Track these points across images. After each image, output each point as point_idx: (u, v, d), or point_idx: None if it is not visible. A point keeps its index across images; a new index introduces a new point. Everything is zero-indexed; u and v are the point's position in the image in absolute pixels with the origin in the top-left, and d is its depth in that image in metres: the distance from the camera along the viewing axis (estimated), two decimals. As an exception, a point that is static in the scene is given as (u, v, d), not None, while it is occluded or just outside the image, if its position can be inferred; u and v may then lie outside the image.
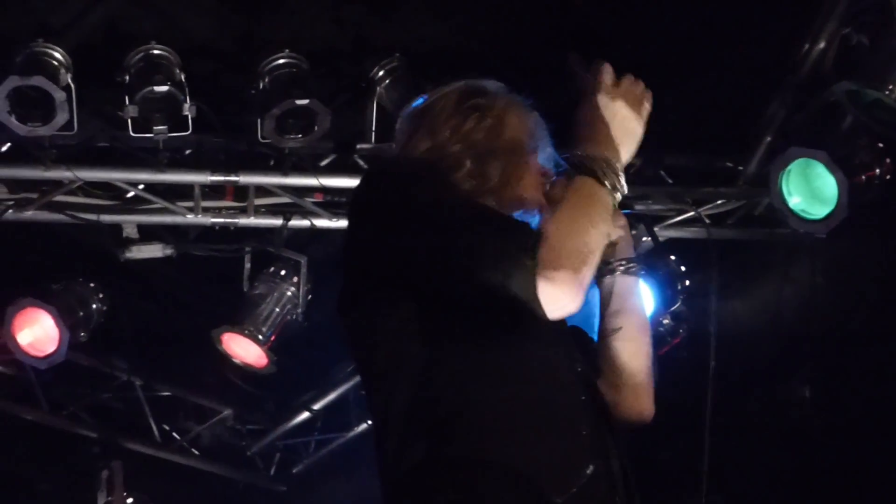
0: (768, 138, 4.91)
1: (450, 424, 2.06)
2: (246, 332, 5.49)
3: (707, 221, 5.23)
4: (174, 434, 6.86)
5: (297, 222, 5.12)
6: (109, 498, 6.22)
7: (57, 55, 4.51)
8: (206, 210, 5.06)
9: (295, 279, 5.46)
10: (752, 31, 4.58)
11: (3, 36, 4.60)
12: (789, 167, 4.48)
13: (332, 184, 4.98)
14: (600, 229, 2.15)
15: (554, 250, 2.06)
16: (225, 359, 5.71)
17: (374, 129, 4.85)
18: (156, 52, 4.60)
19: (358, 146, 4.95)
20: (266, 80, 4.66)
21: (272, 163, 4.97)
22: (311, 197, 5.10)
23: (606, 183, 2.19)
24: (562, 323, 2.25)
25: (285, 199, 5.09)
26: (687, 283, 5.23)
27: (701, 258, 5.27)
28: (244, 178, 4.94)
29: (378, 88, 4.76)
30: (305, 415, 6.82)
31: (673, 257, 5.26)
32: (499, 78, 2.52)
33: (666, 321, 5.43)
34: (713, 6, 4.48)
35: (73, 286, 5.55)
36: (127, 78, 4.58)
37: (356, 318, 2.27)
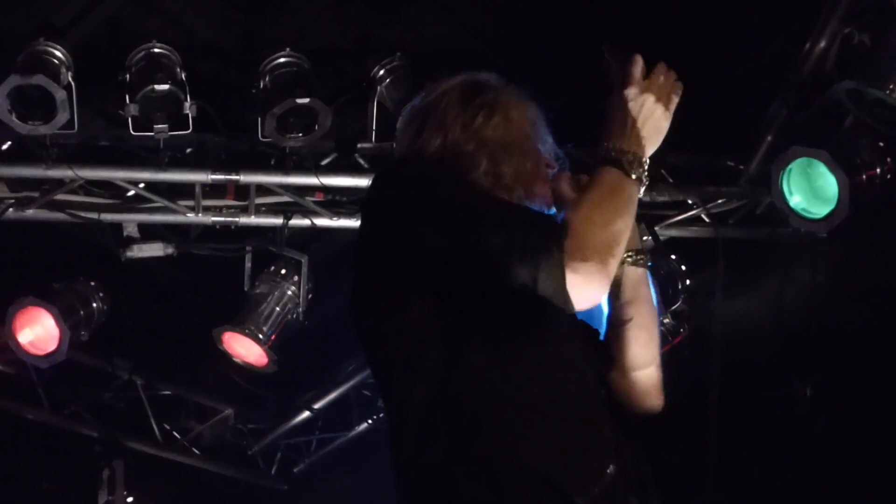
0: (770, 138, 4.90)
1: (474, 422, 2.07)
2: (247, 331, 5.49)
3: (708, 220, 5.23)
4: (175, 433, 6.86)
5: (297, 221, 5.12)
6: (110, 497, 6.24)
7: (58, 54, 4.51)
8: (206, 209, 5.06)
9: (296, 278, 5.46)
10: (753, 31, 4.57)
11: (4, 34, 4.60)
12: (790, 166, 4.47)
13: (333, 183, 4.98)
14: (626, 220, 2.18)
15: (581, 241, 2.08)
16: (226, 358, 5.71)
17: (375, 128, 4.85)
18: (157, 50, 4.61)
19: (359, 145, 4.95)
20: (267, 79, 4.66)
21: (273, 162, 4.97)
22: (312, 196, 5.10)
23: (633, 175, 2.22)
24: (573, 317, 2.25)
25: (286, 199, 5.09)
26: (688, 282, 5.23)
27: (701, 257, 5.28)
28: (245, 177, 4.94)
29: (379, 88, 4.76)
30: (306, 414, 6.83)
31: (674, 256, 5.27)
32: (519, 84, 2.53)
33: (667, 320, 5.43)
34: (715, 5, 4.48)
35: (74, 285, 5.55)
36: (128, 77, 4.59)
37: (372, 316, 2.27)
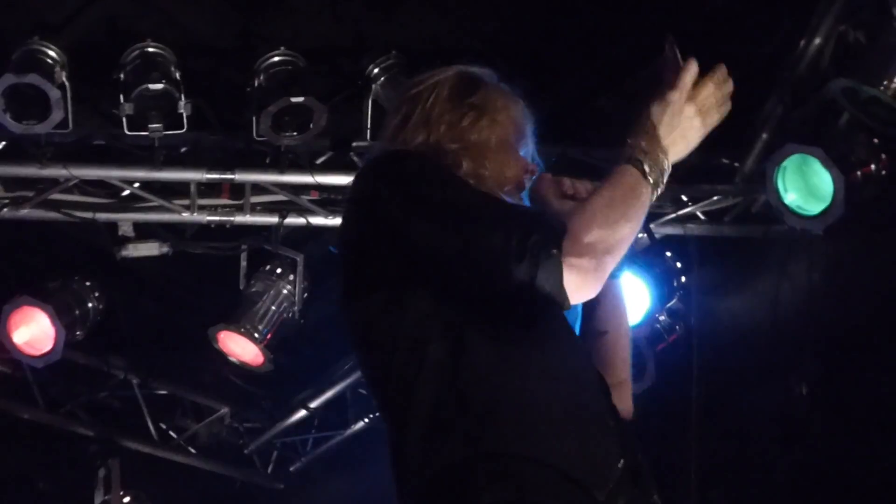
0: (765, 135, 4.90)
1: (485, 420, 2.04)
2: (242, 330, 5.49)
3: (703, 218, 5.24)
4: (171, 432, 6.86)
5: (293, 220, 5.12)
6: (106, 496, 6.23)
7: (52, 53, 4.51)
8: (202, 208, 5.05)
9: (291, 277, 5.46)
10: (749, 28, 4.57)
11: (-2, 33, 4.60)
12: (785, 164, 4.47)
13: (329, 181, 4.98)
14: (633, 224, 2.14)
15: (580, 239, 2.06)
16: (222, 357, 5.70)
17: (370, 126, 4.85)
18: (151, 49, 4.60)
19: (354, 143, 4.94)
20: (262, 77, 4.66)
21: (268, 160, 4.97)
22: (308, 194, 5.10)
23: (651, 178, 2.18)
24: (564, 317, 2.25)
25: (281, 197, 5.08)
26: (683, 279, 5.23)
27: (696, 255, 5.29)
28: (240, 176, 4.94)
29: (374, 86, 4.75)
30: (303, 413, 6.82)
31: (669, 254, 5.27)
32: (512, 82, 2.52)
33: (662, 318, 5.43)
34: (711, 3, 4.48)
35: (70, 284, 5.54)
36: (122, 76, 4.58)
37: (364, 315, 2.23)
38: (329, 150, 5.00)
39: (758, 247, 5.30)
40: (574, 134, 4.82)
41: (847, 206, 4.31)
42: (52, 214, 5.01)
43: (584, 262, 2.06)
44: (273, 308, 5.51)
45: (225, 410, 6.98)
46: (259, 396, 6.87)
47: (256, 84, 4.66)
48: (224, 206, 5.09)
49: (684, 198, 5.17)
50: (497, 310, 2.12)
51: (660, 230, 5.11)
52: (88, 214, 5.02)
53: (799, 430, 5.05)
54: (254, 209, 5.10)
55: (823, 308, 4.88)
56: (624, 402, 2.44)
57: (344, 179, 4.93)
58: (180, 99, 4.55)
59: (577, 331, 2.43)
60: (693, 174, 5.11)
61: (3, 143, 4.82)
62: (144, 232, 5.23)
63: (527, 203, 2.41)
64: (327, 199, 5.10)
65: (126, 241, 5.18)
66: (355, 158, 4.97)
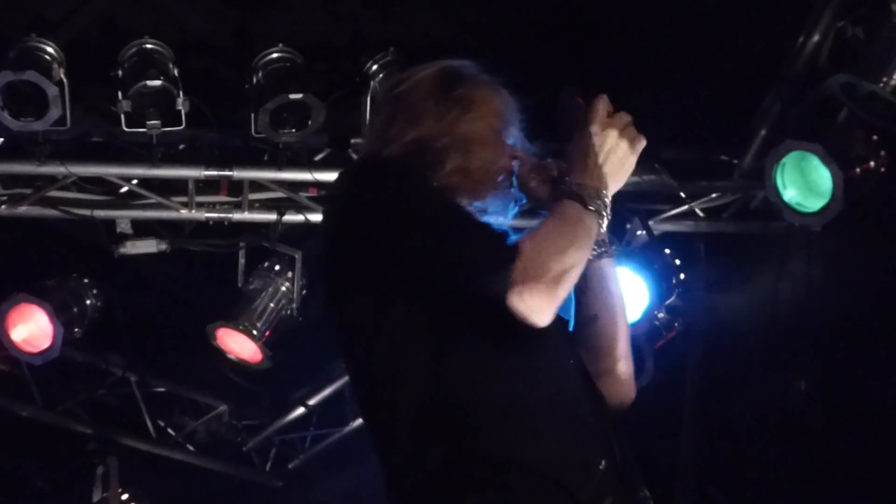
0: (764, 132, 4.90)
1: (468, 424, 2.08)
2: (241, 327, 5.49)
3: (702, 215, 5.23)
4: (169, 430, 6.85)
5: (291, 217, 5.12)
6: (105, 494, 6.22)
7: (50, 50, 4.50)
8: (200, 205, 5.05)
9: (290, 274, 5.46)
10: (747, 25, 4.57)
11: (-4, 31, 4.59)
12: (784, 160, 4.47)
13: (327, 178, 4.97)
14: (581, 252, 2.17)
15: (529, 267, 2.08)
16: (220, 354, 5.70)
17: (368, 123, 4.84)
18: (149, 46, 4.59)
19: (352, 140, 4.94)
20: (260, 74, 4.65)
21: (266, 157, 4.97)
22: (306, 191, 5.10)
23: (591, 207, 2.22)
24: None
25: (280, 194, 5.08)
26: (682, 276, 5.23)
27: (695, 252, 5.29)
28: (238, 173, 4.94)
29: (372, 83, 4.75)
30: (301, 410, 6.82)
31: (668, 251, 5.26)
32: (494, 72, 2.52)
33: (661, 315, 5.43)
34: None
35: (68, 282, 5.54)
36: (120, 73, 4.57)
37: (348, 319, 2.27)
38: (327, 147, 5.00)
39: (757, 243, 5.30)
40: (574, 131, 4.82)
41: (846, 203, 4.31)
42: (50, 212, 5.00)
43: (533, 291, 2.07)
44: (271, 305, 5.51)
45: (223, 408, 6.97)
46: (257, 394, 6.87)
47: (254, 81, 4.66)
48: (222, 203, 5.09)
49: (683, 195, 5.17)
50: (473, 315, 2.14)
51: (659, 227, 5.11)
52: (86, 212, 5.02)
53: (797, 426, 5.06)
54: (252, 206, 5.09)
55: (822, 304, 4.89)
56: (620, 388, 2.46)
57: (342, 176, 4.92)
58: (178, 96, 4.54)
59: (571, 316, 2.46)
60: (692, 171, 5.12)
61: (1, 140, 4.82)
62: (142, 229, 5.23)
63: (515, 190, 2.43)
64: (325, 196, 5.09)
65: (124, 238, 5.18)
66: (353, 155, 4.96)
